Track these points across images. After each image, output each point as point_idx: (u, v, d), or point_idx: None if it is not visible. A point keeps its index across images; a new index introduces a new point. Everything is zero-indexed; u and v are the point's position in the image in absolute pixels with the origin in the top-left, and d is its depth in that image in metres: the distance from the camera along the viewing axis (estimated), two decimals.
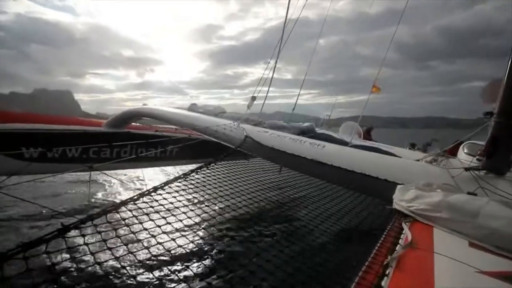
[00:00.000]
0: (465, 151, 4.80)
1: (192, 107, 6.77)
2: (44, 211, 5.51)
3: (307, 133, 5.28)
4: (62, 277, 0.96)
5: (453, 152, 5.25)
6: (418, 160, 4.54)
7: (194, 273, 2.63)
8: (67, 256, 1.08)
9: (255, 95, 6.39)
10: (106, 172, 3.30)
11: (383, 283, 1.16)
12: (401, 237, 1.67)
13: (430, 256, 1.36)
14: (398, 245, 1.53)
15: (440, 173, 3.28)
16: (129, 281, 2.20)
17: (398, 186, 2.45)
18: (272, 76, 6.28)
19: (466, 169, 2.92)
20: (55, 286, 1.00)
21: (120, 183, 6.73)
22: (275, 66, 6.34)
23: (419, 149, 8.74)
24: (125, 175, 7.83)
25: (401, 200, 2.21)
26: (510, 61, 2.86)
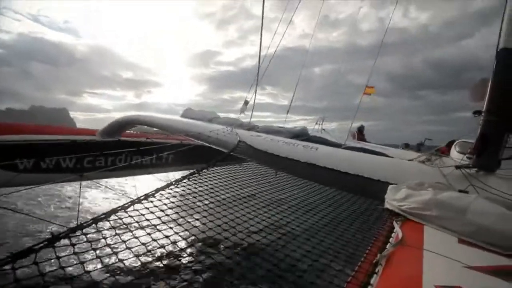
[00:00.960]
0: (457, 149, 4.86)
1: (186, 113, 6.78)
2: (34, 221, 5.45)
3: (300, 136, 5.30)
4: (52, 287, 0.95)
5: (447, 152, 5.30)
6: (411, 160, 4.58)
7: (186, 281, 2.61)
8: (57, 265, 1.07)
9: (247, 99, 6.42)
10: (98, 181, 3.28)
11: (372, 281, 1.17)
12: (392, 235, 1.68)
13: (419, 253, 1.37)
14: (389, 244, 1.54)
15: (432, 172, 3.31)
16: None
17: (390, 186, 2.48)
18: (257, 80, 6.27)
19: (457, 167, 2.96)
20: None
21: (112, 191, 6.68)
22: (256, 88, 6.32)
23: (412, 149, 8.82)
24: (118, 183, 7.77)
25: (392, 199, 2.23)
26: (495, 61, 2.93)
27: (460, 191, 2.30)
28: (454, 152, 4.98)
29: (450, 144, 5.50)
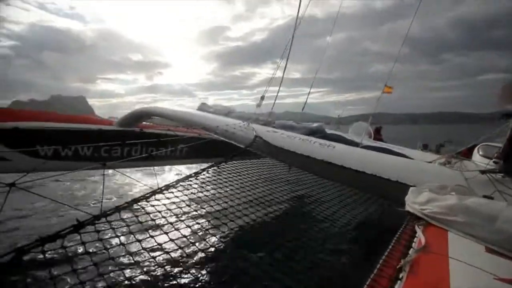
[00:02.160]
0: (480, 153, 4.67)
1: (202, 107, 6.81)
2: (59, 207, 5.65)
3: (316, 133, 5.24)
4: (78, 271, 0.98)
5: (467, 155, 5.12)
6: (430, 162, 4.45)
7: (206, 271, 2.65)
8: (82, 250, 1.10)
9: (264, 94, 6.39)
10: (119, 170, 3.35)
11: (396, 287, 1.14)
12: (414, 240, 1.63)
13: (445, 261, 1.32)
14: (411, 249, 1.50)
15: (453, 176, 3.21)
16: (142, 276, 2.24)
17: (411, 188, 2.40)
18: (283, 76, 6.25)
19: (482, 172, 2.84)
20: (71, 278, 1.02)
21: (133, 180, 6.82)
22: (286, 66, 6.32)
23: (431, 150, 8.57)
24: (137, 173, 7.96)
25: (414, 202, 2.17)
26: None
27: (485, 196, 2.21)
28: (477, 156, 4.81)
29: (471, 148, 5.31)
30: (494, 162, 3.01)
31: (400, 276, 1.22)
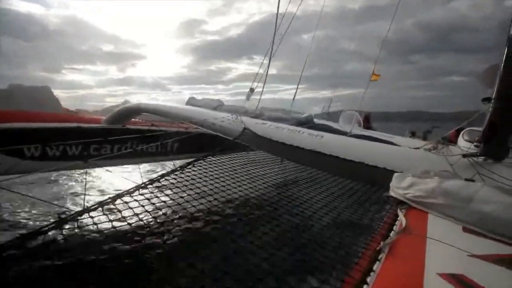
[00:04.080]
0: (465, 138, 4.79)
1: (191, 101, 6.76)
2: (41, 205, 5.57)
3: (305, 123, 5.27)
4: (58, 267, 0.98)
5: (455, 140, 5.24)
6: (417, 148, 4.53)
7: (193, 267, 2.65)
8: (64, 247, 1.10)
9: (253, 87, 6.38)
10: (104, 167, 3.32)
11: (374, 268, 1.18)
12: (396, 223, 1.68)
13: (422, 241, 1.37)
14: (392, 232, 1.54)
15: (438, 161, 3.28)
16: (123, 271, 2.22)
17: (395, 174, 2.46)
18: (267, 72, 6.27)
19: (464, 156, 2.92)
20: (52, 275, 1.03)
21: (117, 177, 6.75)
22: (269, 62, 6.36)
23: (419, 137, 8.72)
24: (123, 170, 7.89)
25: (397, 187, 2.22)
26: (506, 46, 2.83)
27: (467, 179, 2.28)
28: (461, 141, 4.92)
29: (458, 133, 5.44)
30: (475, 146, 3.10)
31: (379, 257, 1.26)
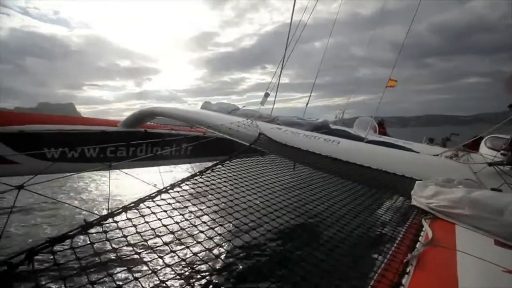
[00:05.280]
0: (488, 145, 4.62)
1: (206, 105, 6.82)
2: (67, 208, 5.72)
3: (321, 129, 5.22)
4: (86, 271, 0.99)
5: (473, 147, 5.07)
6: (437, 155, 4.41)
7: (215, 270, 2.66)
8: (91, 251, 1.12)
9: (268, 91, 6.39)
10: (124, 170, 3.39)
11: (403, 281, 1.14)
12: (421, 234, 1.62)
13: (452, 254, 1.31)
14: (418, 243, 1.49)
15: (460, 169, 3.18)
16: (149, 277, 2.25)
17: (417, 182, 2.39)
18: (279, 81, 6.32)
19: (490, 164, 2.81)
20: (80, 279, 1.04)
21: (138, 180, 6.86)
22: (281, 72, 6.41)
23: (437, 144, 8.48)
24: (142, 173, 8.03)
25: (420, 196, 2.16)
26: None
27: (493, 189, 2.19)
28: (484, 148, 4.75)
29: (477, 140, 5.24)
30: (501, 154, 2.98)
31: (408, 270, 1.22)
